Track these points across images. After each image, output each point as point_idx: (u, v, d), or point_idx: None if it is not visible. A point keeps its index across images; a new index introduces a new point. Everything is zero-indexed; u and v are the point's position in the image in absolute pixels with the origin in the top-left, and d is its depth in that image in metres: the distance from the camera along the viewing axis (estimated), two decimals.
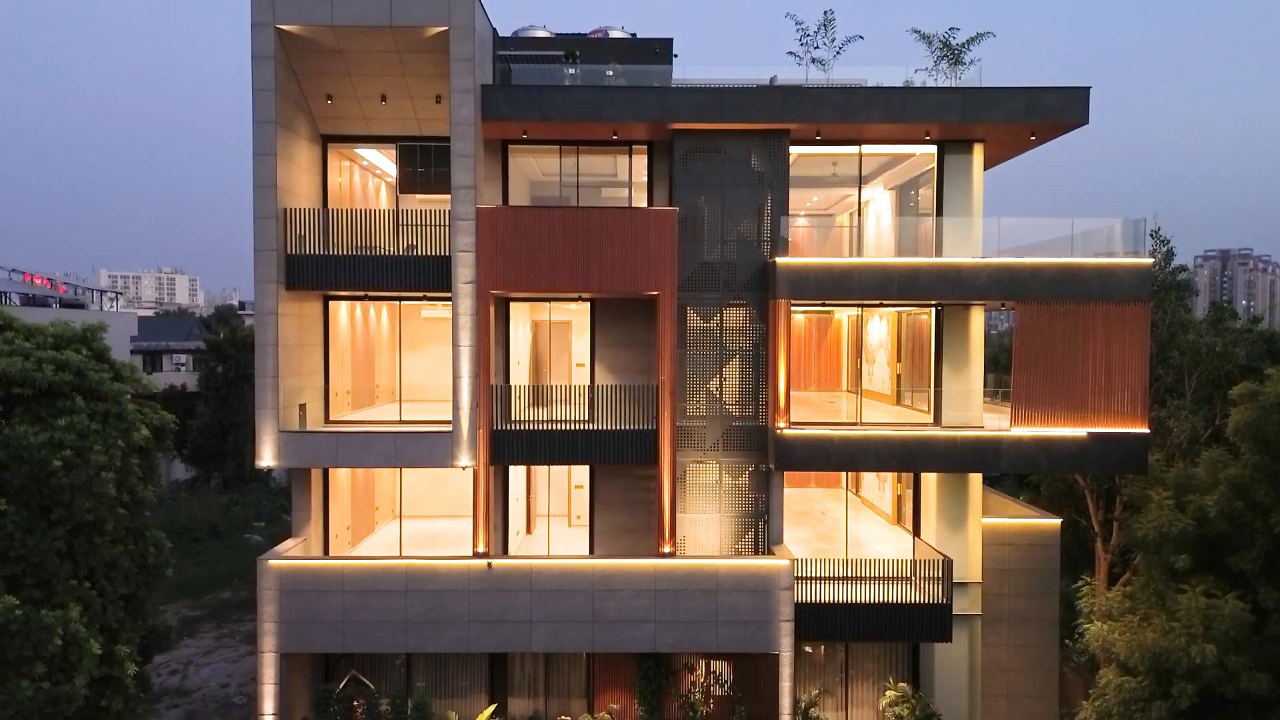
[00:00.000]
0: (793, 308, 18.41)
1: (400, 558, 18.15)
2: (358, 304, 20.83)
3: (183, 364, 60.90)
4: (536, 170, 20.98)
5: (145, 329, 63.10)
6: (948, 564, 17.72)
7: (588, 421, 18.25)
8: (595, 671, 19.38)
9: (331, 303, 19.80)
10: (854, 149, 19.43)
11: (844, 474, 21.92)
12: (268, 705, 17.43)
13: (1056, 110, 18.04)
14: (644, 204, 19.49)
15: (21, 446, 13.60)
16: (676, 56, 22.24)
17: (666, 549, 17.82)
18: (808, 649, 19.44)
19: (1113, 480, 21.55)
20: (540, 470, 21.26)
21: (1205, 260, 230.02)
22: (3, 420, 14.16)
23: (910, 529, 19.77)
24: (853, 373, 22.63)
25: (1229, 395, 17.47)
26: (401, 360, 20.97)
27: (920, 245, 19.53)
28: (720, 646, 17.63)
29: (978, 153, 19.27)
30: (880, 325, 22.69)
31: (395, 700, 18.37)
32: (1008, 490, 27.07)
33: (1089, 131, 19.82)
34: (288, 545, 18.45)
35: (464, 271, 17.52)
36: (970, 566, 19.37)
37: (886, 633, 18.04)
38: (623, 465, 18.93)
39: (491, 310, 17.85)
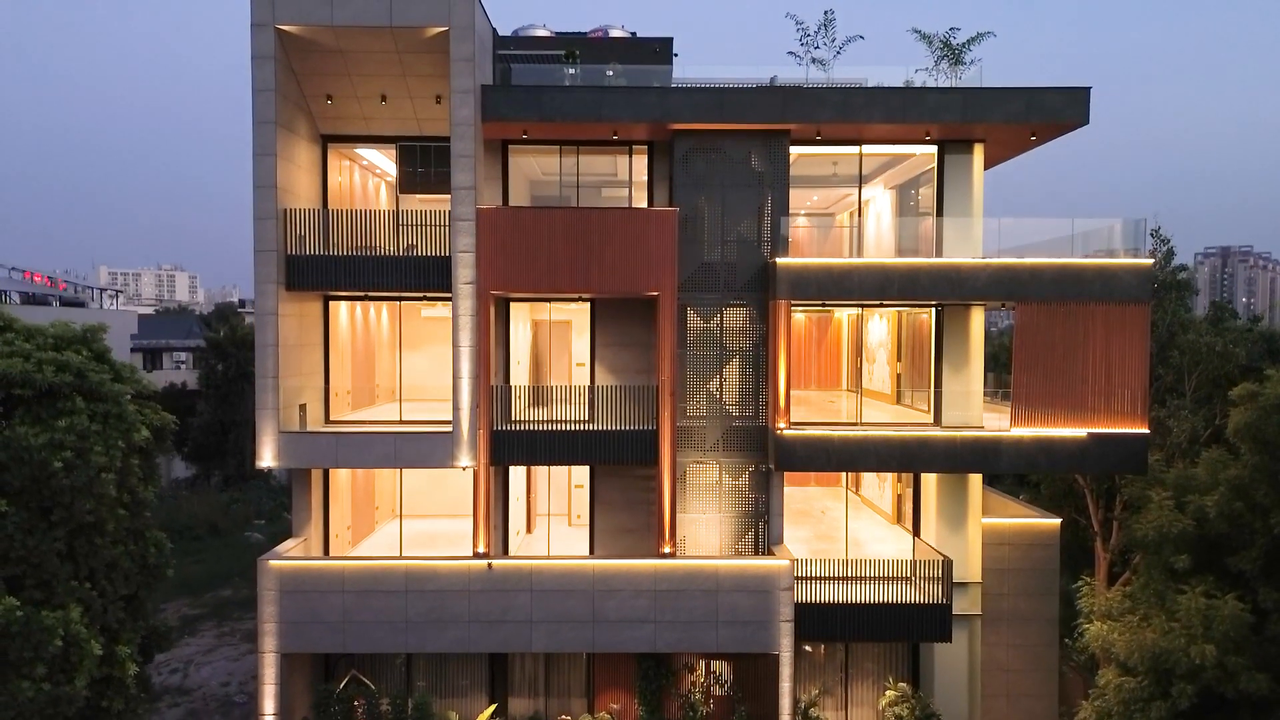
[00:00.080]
0: (793, 308, 18.41)
1: (400, 558, 18.18)
2: (358, 304, 20.83)
3: (183, 362, 60.99)
4: (536, 170, 20.97)
5: (145, 327, 63.12)
6: (947, 564, 17.74)
7: (588, 422, 18.26)
8: (595, 671, 19.40)
9: (331, 303, 19.80)
10: (854, 149, 19.43)
11: (844, 473, 21.92)
12: (268, 705, 17.47)
13: (1057, 110, 18.03)
14: (644, 204, 19.48)
15: (22, 448, 13.61)
16: (676, 56, 22.27)
17: (666, 549, 17.84)
18: (808, 649, 19.46)
19: (1113, 480, 21.56)
20: (540, 470, 21.27)
21: (1205, 258, 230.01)
22: (3, 421, 14.15)
23: (910, 528, 19.78)
24: (853, 372, 22.62)
25: (1229, 396, 17.48)
26: (401, 360, 20.98)
27: (920, 245, 19.54)
28: (720, 646, 17.66)
29: (978, 153, 19.26)
30: (880, 325, 22.69)
31: (395, 700, 18.41)
32: (1007, 490, 27.05)
33: (1089, 131, 19.86)
34: (288, 545, 18.47)
35: (464, 272, 17.52)
36: (970, 566, 19.39)
37: (886, 633, 18.06)
38: (623, 465, 18.95)
39: (491, 310, 17.86)
